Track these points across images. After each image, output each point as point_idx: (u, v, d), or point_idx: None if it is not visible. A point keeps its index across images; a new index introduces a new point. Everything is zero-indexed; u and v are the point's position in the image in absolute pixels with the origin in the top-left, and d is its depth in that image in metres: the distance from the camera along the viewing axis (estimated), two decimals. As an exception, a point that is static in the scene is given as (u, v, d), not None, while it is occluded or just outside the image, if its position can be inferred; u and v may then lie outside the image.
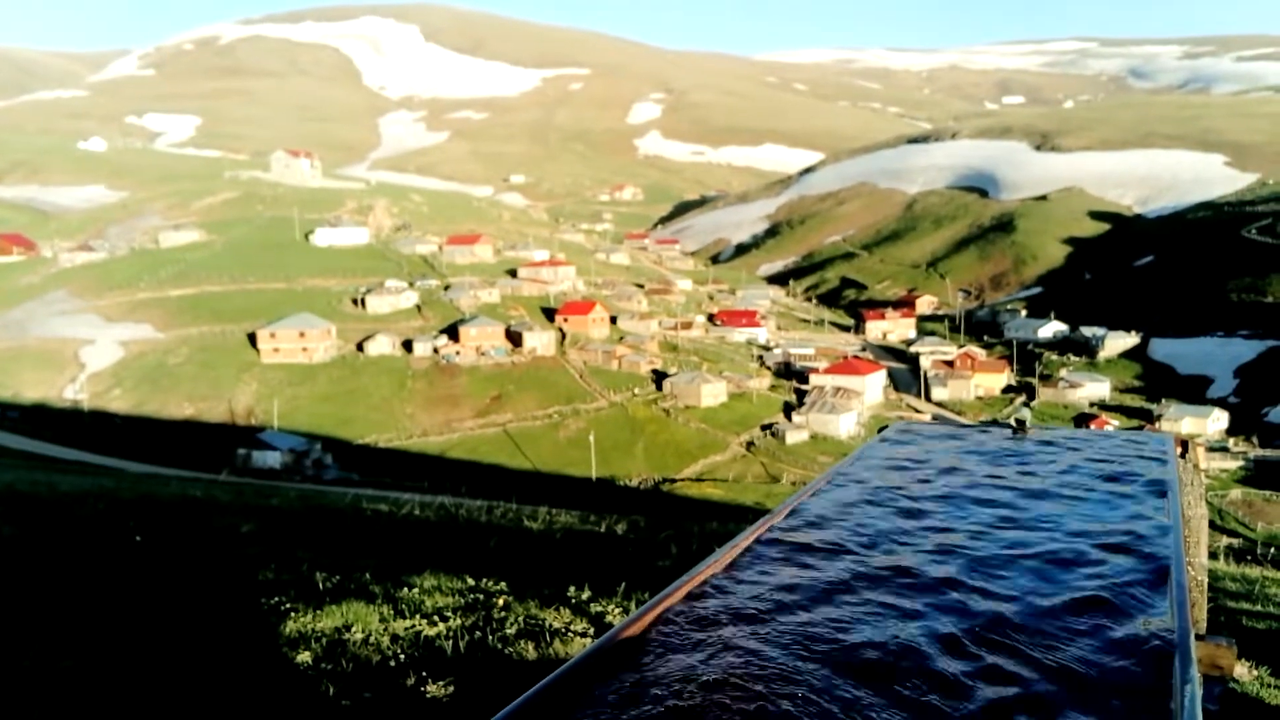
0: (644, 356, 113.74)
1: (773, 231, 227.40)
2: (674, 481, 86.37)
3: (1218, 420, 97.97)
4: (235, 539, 11.78)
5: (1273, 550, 42.78)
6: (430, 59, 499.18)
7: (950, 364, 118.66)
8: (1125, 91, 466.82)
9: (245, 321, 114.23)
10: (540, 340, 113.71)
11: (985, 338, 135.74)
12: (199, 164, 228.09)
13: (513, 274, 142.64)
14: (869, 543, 4.05)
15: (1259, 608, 11.34)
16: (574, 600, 8.48)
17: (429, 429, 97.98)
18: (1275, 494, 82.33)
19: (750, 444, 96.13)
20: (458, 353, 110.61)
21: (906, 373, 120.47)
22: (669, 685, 2.75)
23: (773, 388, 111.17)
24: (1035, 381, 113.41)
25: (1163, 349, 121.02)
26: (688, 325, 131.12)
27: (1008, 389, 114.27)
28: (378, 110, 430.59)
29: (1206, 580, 5.52)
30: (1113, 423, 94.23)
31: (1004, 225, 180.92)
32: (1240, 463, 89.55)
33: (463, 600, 8.41)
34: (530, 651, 7.04)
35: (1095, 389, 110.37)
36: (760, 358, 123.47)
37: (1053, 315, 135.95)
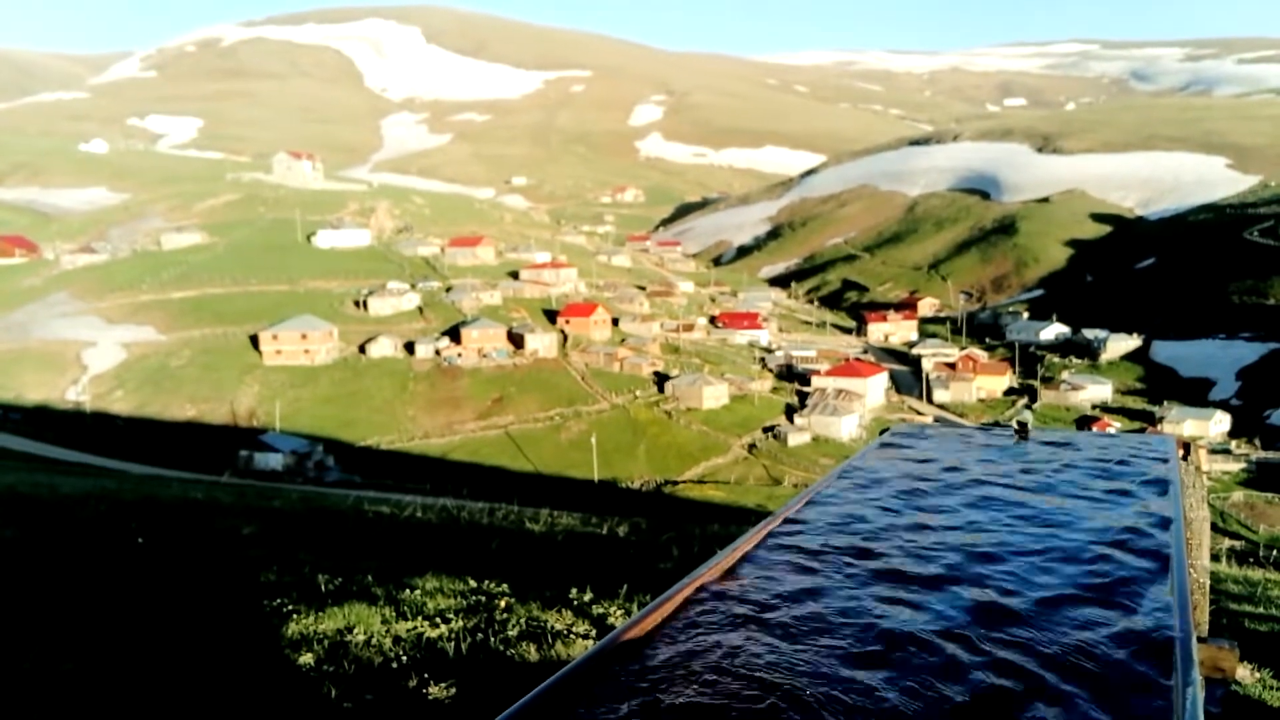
0: (645, 358, 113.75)
1: (774, 233, 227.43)
2: (675, 483, 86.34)
3: (1220, 422, 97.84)
4: (237, 541, 11.79)
5: (1275, 552, 42.71)
6: (432, 61, 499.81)
7: (952, 366, 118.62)
8: (1127, 93, 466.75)
9: (247, 323, 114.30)
10: (542, 342, 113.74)
11: (987, 340, 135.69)
12: (201, 166, 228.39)
13: (514, 276, 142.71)
14: (870, 543, 4.06)
15: (1261, 610, 11.32)
16: (576, 602, 8.49)
17: (431, 431, 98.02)
18: (1277, 496, 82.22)
19: (752, 446, 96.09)
20: (459, 355, 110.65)
21: (908, 375, 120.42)
22: (671, 686, 2.76)
23: (774, 390, 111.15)
24: (1037, 384, 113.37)
25: (1165, 351, 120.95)
26: (689, 327, 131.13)
27: (1009, 391, 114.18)
28: (379, 112, 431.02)
29: (1209, 582, 5.53)
30: (1114, 425, 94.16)
31: (1006, 227, 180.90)
32: (1242, 465, 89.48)
33: (465, 602, 8.42)
34: (532, 653, 7.04)
35: (1097, 391, 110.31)
36: (762, 360, 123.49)
37: (1055, 317, 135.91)
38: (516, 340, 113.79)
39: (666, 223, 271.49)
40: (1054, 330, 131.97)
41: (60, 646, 7.04)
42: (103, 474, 45.13)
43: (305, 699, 6.19)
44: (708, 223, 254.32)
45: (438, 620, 7.74)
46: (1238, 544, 55.72)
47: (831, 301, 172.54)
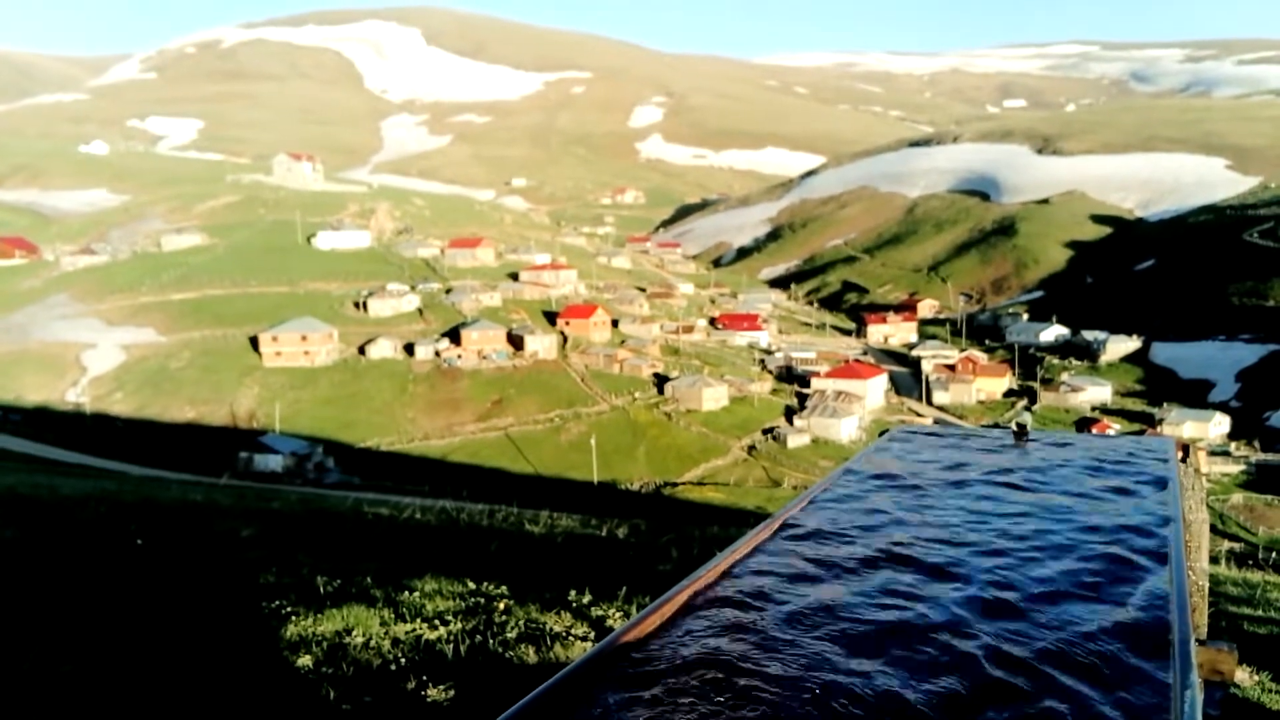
0: (645, 360, 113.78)
1: (774, 235, 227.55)
2: (675, 485, 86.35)
3: (1219, 424, 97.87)
4: (236, 542, 11.79)
5: (1274, 555, 42.69)
6: (432, 62, 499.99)
7: (952, 368, 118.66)
8: (1127, 95, 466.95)
9: (247, 325, 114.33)
10: (542, 344, 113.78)
11: (987, 341, 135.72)
12: (201, 167, 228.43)
13: (514, 277, 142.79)
14: (870, 544, 4.06)
15: (1260, 612, 11.32)
16: (575, 604, 8.48)
17: (430, 432, 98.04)
18: (1277, 498, 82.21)
19: (751, 448, 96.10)
20: (459, 356, 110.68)
21: (908, 376, 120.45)
22: (670, 688, 2.76)
23: (774, 391, 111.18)
24: (1037, 385, 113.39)
25: (1164, 353, 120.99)
26: (689, 329, 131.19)
27: (1009, 393, 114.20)
28: (379, 113, 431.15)
29: (1208, 585, 5.53)
30: (1114, 426, 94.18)
31: (1005, 229, 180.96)
32: (1242, 467, 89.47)
33: (464, 604, 8.42)
34: (531, 655, 7.04)
35: (1097, 393, 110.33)
36: (762, 361, 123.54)
37: (1054, 319, 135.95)
38: (516, 342, 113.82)
39: (666, 224, 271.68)
40: (1054, 332, 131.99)
41: (60, 647, 7.03)
42: (102, 475, 45.12)
43: (304, 701, 6.19)
44: (708, 224, 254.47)
45: (437, 622, 7.74)
46: (1237, 546, 55.67)
47: (831, 303, 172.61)
